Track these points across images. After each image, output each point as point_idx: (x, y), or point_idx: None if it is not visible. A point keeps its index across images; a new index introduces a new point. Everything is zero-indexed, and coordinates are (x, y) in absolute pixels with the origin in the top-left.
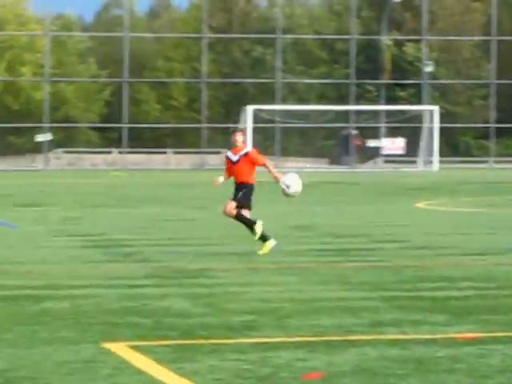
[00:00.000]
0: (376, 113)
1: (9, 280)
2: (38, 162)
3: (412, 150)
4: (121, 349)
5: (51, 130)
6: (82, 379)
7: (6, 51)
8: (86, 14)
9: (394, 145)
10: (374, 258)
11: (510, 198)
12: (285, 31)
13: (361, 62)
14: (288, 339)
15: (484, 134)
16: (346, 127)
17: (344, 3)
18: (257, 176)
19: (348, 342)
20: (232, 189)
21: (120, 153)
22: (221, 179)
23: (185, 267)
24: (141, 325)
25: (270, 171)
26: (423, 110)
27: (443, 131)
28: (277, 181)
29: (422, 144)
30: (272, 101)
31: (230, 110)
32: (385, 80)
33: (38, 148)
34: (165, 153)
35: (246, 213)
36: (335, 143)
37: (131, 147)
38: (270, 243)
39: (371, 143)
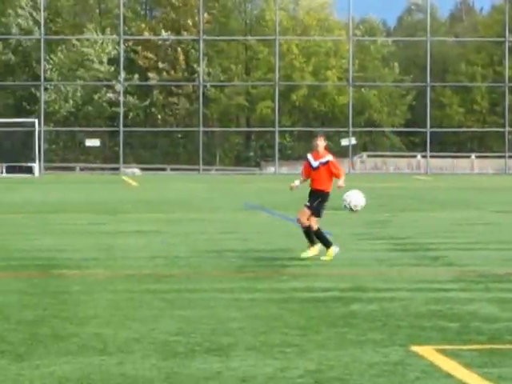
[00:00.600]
0: None
1: (317, 282)
2: (343, 165)
3: None
4: (428, 352)
5: (355, 134)
6: (390, 381)
7: (311, 56)
8: (389, 18)
9: None
10: None
11: None
12: None
13: None
14: None
15: None
16: None
17: None
18: None
19: None
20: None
21: (423, 157)
22: (297, 182)
23: (491, 271)
24: (447, 328)
25: (339, 185)
26: None
27: None
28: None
29: None
30: None
31: None
32: None
33: (343, 152)
34: (468, 157)
35: (313, 220)
36: None
37: (435, 151)
38: (334, 249)
39: None
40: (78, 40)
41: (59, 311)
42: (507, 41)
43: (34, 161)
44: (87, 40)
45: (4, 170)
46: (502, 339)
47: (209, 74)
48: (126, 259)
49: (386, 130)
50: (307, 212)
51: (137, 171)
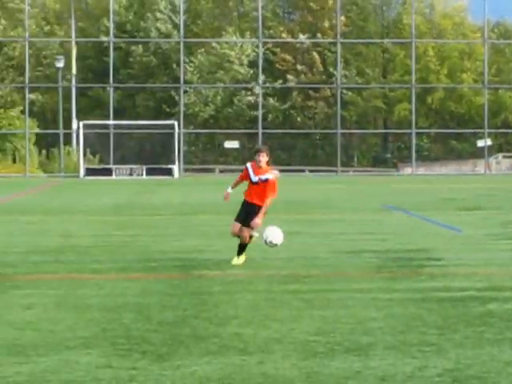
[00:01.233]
0: None
1: (455, 282)
2: (479, 166)
3: None
4: None
5: (490, 135)
6: None
7: (446, 59)
8: None
9: None
10: None
11: None
12: None
13: None
14: None
15: None
16: None
17: None
18: None
19: None
20: None
21: None
22: (229, 190)
23: None
24: None
25: (263, 209)
26: None
27: None
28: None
29: None
30: None
31: None
32: None
33: (479, 153)
34: None
35: (249, 230)
36: None
37: None
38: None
39: None
40: (217, 43)
41: (199, 312)
42: None
43: (173, 163)
44: (226, 43)
45: (144, 172)
46: None
47: (346, 76)
48: (265, 260)
49: None
50: (246, 229)
51: (276, 172)
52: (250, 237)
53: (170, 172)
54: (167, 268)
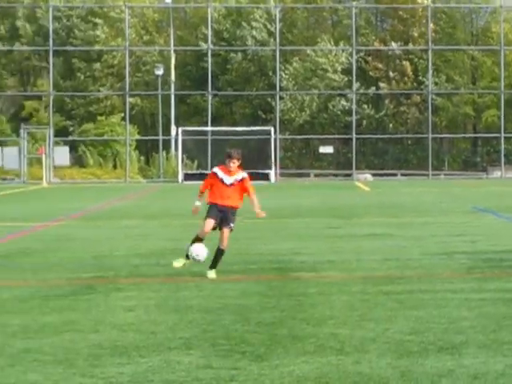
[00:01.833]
0: None
1: None
2: None
3: None
4: None
5: None
6: None
7: None
8: None
9: None
10: None
11: None
12: None
13: None
14: None
15: None
16: None
17: None
18: None
19: None
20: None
21: None
22: (198, 203)
23: None
24: None
25: (253, 204)
26: None
27: None
28: (256, 215)
29: None
30: None
31: None
32: None
33: None
34: None
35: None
36: None
37: None
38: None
39: None
40: (312, 50)
41: (296, 312)
42: None
43: (270, 168)
44: (321, 50)
45: None
46: None
47: (435, 83)
48: (359, 261)
49: None
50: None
51: (369, 177)
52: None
53: (267, 177)
54: (266, 270)
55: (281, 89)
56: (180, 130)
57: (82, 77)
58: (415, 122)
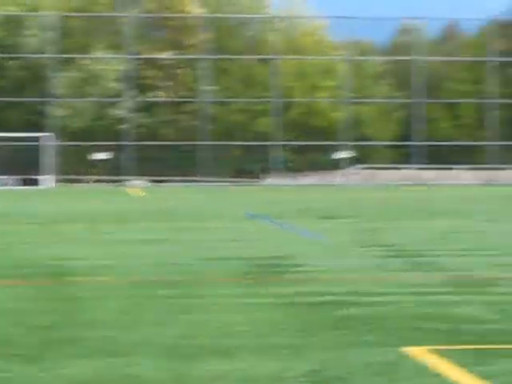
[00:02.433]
0: None
1: (318, 287)
2: (337, 177)
3: None
4: (421, 352)
5: (348, 147)
6: (385, 380)
7: (306, 76)
8: (380, 39)
9: None
10: None
11: None
12: None
13: None
14: None
15: None
16: None
17: None
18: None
19: None
20: None
21: (418, 169)
22: None
23: (480, 276)
24: (439, 330)
25: None
26: None
27: None
28: None
29: None
30: None
31: None
32: None
33: (337, 165)
34: (451, 169)
35: None
36: None
37: (423, 163)
38: None
39: None
40: (89, 58)
41: (71, 316)
42: (490, 60)
43: (39, 173)
44: (97, 58)
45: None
46: (491, 339)
47: (211, 91)
48: (134, 266)
49: (378, 143)
50: None
51: (143, 183)
52: None
53: (36, 182)
54: (39, 275)
55: (56, 96)
56: None
57: None
58: (191, 130)
